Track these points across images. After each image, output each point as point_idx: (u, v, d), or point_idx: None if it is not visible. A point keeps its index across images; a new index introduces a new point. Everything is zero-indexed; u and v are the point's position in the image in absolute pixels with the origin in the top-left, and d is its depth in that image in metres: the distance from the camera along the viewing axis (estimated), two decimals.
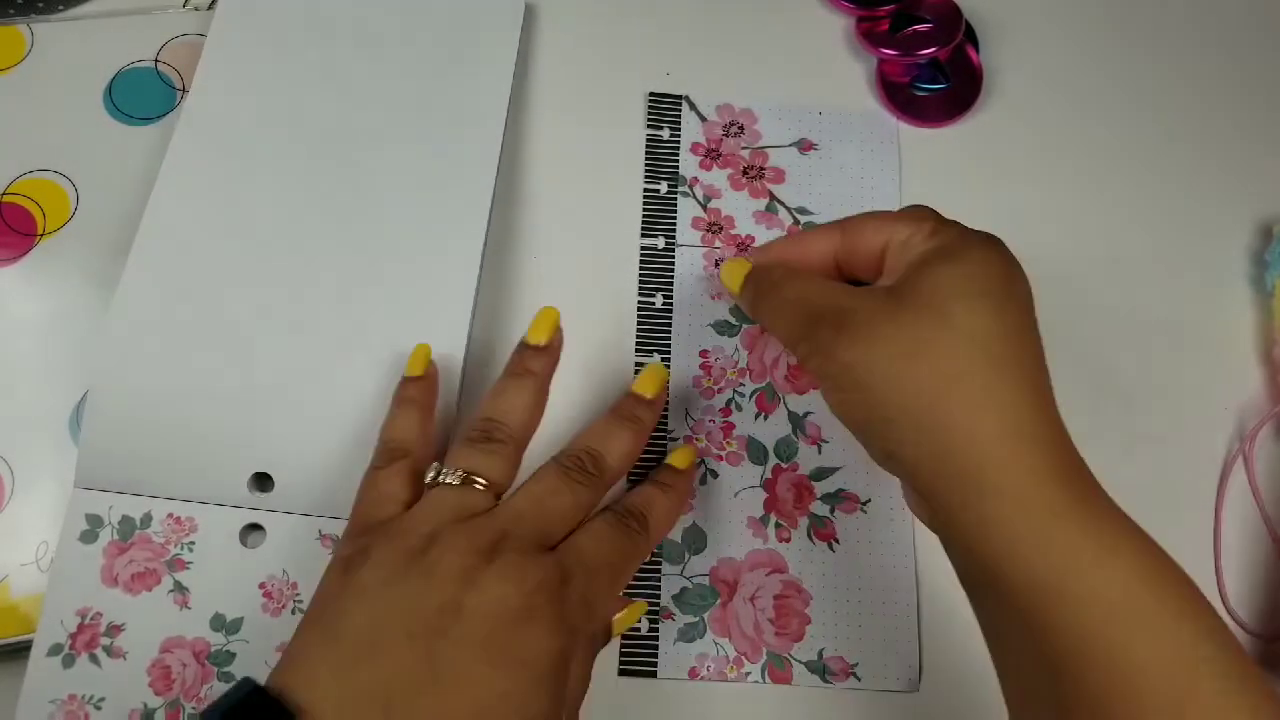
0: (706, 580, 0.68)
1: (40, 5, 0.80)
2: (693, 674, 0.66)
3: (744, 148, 0.79)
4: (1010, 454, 0.50)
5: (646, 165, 0.78)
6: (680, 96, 0.80)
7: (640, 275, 0.75)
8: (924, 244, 0.57)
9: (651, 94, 0.80)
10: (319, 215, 0.71)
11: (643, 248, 0.76)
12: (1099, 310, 0.75)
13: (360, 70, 0.76)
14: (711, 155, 0.79)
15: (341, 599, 0.53)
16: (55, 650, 0.62)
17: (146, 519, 0.65)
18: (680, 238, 0.76)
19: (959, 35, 0.81)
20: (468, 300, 0.69)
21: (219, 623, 0.63)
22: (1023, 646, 0.50)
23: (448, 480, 0.58)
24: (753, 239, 0.76)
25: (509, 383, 0.64)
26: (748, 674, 0.67)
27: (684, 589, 0.68)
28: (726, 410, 0.72)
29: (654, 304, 0.74)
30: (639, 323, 0.74)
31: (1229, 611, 0.68)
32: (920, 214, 0.59)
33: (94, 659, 0.62)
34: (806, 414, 0.72)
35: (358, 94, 0.75)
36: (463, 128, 0.75)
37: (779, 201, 0.78)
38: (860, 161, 0.79)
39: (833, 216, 0.75)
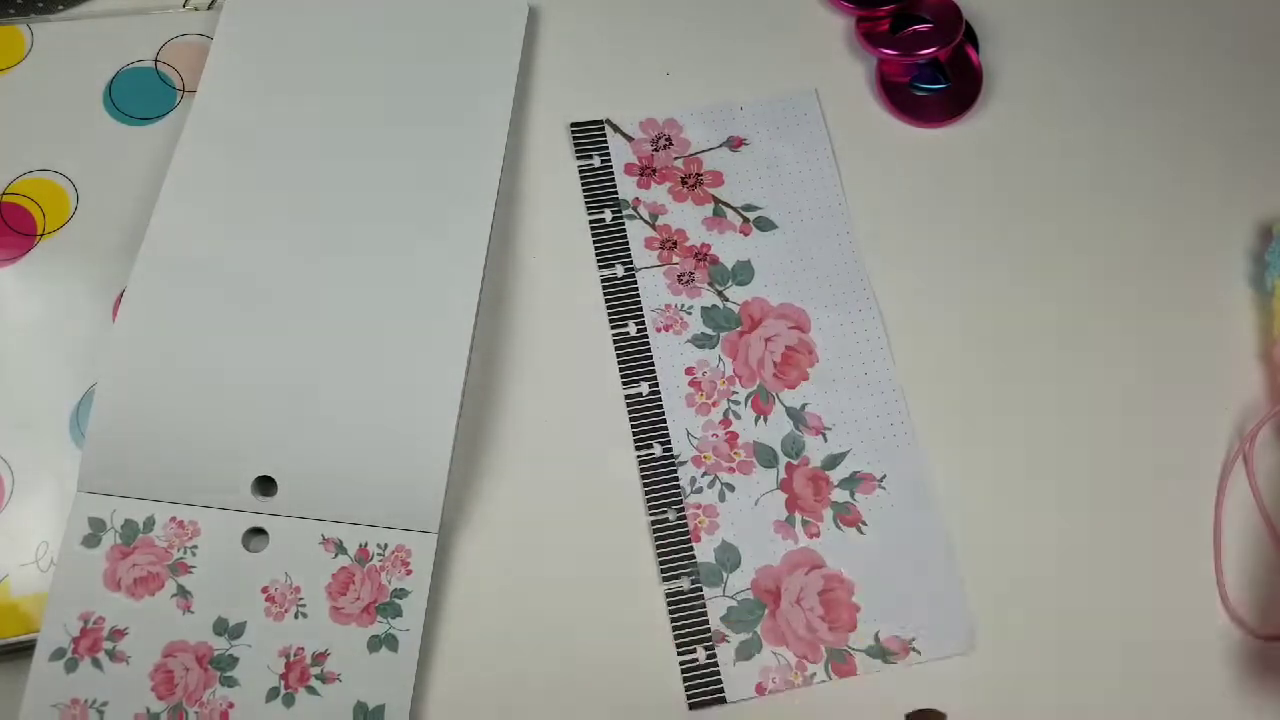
0: (750, 594, 0.68)
1: (40, 5, 0.80)
2: (760, 690, 0.66)
3: (676, 158, 0.79)
4: None
5: (585, 196, 0.78)
6: (601, 121, 0.80)
7: (608, 306, 0.75)
8: None
9: (573, 124, 0.80)
10: (324, 218, 0.71)
11: (603, 278, 0.75)
12: (1099, 309, 0.75)
13: (364, 73, 0.76)
14: (647, 173, 0.79)
15: None
16: (58, 654, 0.62)
17: (149, 523, 0.65)
18: (637, 261, 0.76)
19: (959, 35, 0.81)
20: (471, 302, 0.70)
21: (222, 627, 0.63)
22: None
23: None
24: (709, 247, 0.76)
25: None
26: (813, 676, 0.67)
27: (730, 608, 0.68)
28: (726, 421, 0.72)
29: (629, 332, 0.74)
30: (618, 353, 0.74)
31: (1229, 611, 0.68)
32: None
33: (96, 663, 0.62)
34: (804, 406, 0.72)
35: (362, 96, 0.75)
36: (467, 129, 0.75)
37: (724, 204, 0.78)
38: (791, 146, 0.80)
39: (779, 207, 0.77)
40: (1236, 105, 0.82)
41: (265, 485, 0.66)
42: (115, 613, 0.63)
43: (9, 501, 0.66)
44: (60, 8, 0.80)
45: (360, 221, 0.71)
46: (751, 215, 0.77)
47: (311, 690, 0.63)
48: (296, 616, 0.64)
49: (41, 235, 0.73)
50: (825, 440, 0.72)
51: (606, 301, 0.75)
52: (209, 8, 0.80)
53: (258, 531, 0.66)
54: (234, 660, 0.63)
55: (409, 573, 0.65)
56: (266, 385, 0.67)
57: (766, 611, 0.68)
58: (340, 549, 0.65)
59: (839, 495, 0.70)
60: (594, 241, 0.76)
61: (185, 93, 0.77)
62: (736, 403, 0.72)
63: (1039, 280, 0.76)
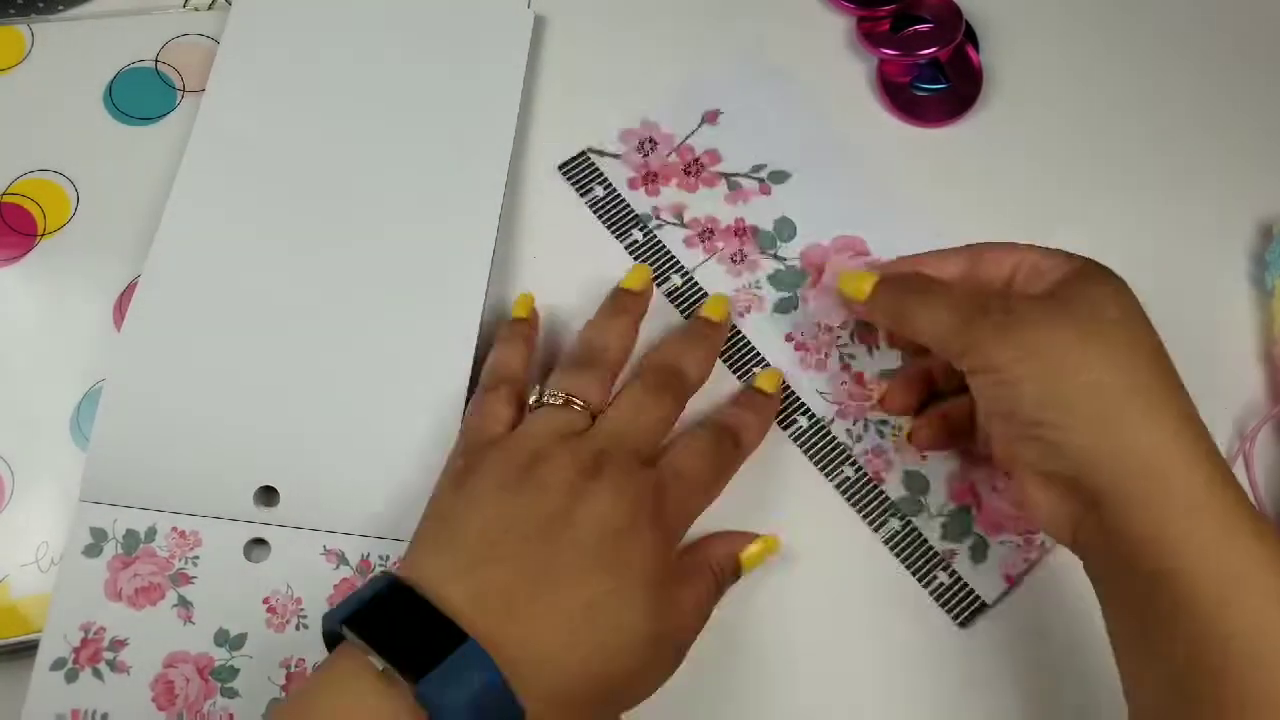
0: (953, 504, 0.70)
1: (40, 5, 0.80)
2: (1009, 580, 0.68)
3: (669, 154, 0.79)
4: (1189, 463, 0.54)
5: (608, 226, 0.77)
6: (583, 152, 0.79)
7: (683, 314, 0.74)
8: (1062, 267, 0.60)
9: (560, 165, 0.78)
10: (330, 229, 0.72)
11: (666, 294, 0.75)
12: None
13: (371, 79, 0.77)
14: (650, 180, 0.78)
15: (456, 508, 0.58)
16: (59, 664, 0.62)
17: (151, 533, 0.65)
18: (687, 264, 0.75)
19: (959, 35, 0.81)
20: (475, 313, 0.70)
21: (223, 638, 0.63)
22: (1178, 640, 0.52)
23: (550, 401, 0.63)
24: (743, 220, 0.77)
25: (606, 319, 0.69)
26: (1043, 544, 0.68)
27: (942, 525, 0.69)
28: (845, 366, 0.73)
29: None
30: (723, 355, 0.73)
31: None
32: (1049, 248, 0.63)
33: (97, 673, 0.62)
34: None
35: (369, 103, 0.76)
36: (474, 138, 0.75)
37: (734, 176, 0.78)
38: (761, 98, 0.81)
39: (780, 155, 0.78)
40: (1237, 105, 0.82)
41: (267, 495, 0.66)
42: (116, 623, 0.63)
43: (9, 502, 0.67)
44: (60, 8, 0.80)
45: (366, 232, 0.72)
46: (763, 174, 0.78)
47: None
48: (298, 628, 0.64)
49: (41, 235, 0.73)
50: None
51: (680, 310, 0.74)
52: (209, 8, 0.80)
53: (259, 542, 0.65)
54: (235, 671, 0.63)
55: None
56: (270, 395, 0.67)
57: (974, 513, 0.69)
58: (342, 560, 0.65)
59: None
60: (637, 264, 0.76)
61: (186, 93, 0.77)
62: (844, 345, 0.73)
63: None
